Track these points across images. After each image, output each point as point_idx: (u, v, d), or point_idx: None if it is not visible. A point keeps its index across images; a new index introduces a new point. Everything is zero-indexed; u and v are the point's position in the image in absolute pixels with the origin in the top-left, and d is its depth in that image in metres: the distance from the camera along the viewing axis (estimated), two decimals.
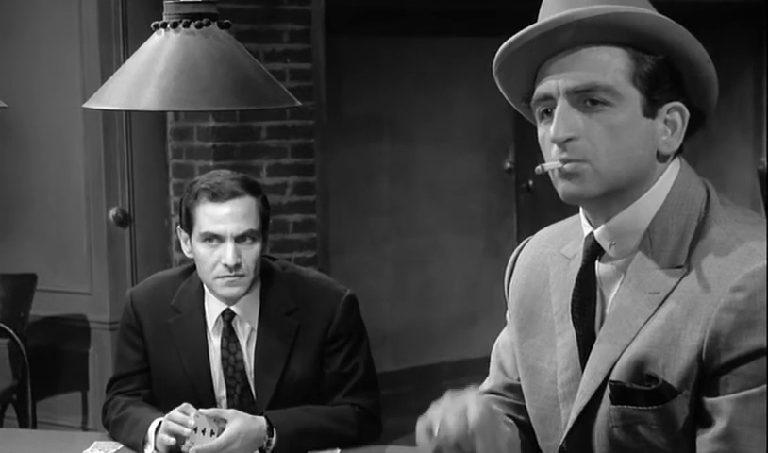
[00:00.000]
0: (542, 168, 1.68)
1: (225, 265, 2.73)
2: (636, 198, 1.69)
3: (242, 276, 2.76)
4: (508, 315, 1.92)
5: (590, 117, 1.66)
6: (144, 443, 2.69)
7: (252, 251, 2.77)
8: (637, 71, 1.66)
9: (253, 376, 2.82)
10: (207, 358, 2.84)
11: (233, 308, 2.82)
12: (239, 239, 2.75)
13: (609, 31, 1.65)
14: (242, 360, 2.83)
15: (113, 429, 2.84)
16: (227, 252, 2.74)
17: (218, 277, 2.76)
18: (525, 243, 1.93)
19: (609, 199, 1.69)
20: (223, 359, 2.84)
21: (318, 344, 2.83)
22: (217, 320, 2.83)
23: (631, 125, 1.66)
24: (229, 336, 2.83)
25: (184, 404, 2.65)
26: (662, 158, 1.69)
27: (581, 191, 1.67)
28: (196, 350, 2.84)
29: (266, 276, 2.86)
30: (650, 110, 1.67)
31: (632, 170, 1.67)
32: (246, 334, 2.83)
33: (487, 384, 1.98)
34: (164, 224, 5.22)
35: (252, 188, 2.81)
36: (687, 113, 1.69)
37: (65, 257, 5.16)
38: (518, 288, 1.89)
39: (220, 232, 2.75)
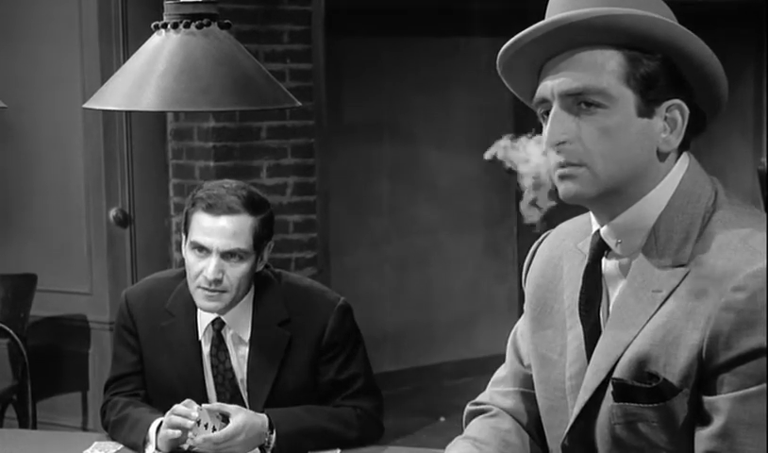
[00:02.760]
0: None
1: (206, 278, 2.73)
2: (638, 197, 1.69)
3: (223, 292, 2.73)
4: (525, 305, 1.94)
5: (583, 120, 1.66)
6: (145, 442, 2.69)
7: (237, 269, 2.73)
8: (632, 71, 1.65)
9: (245, 385, 2.81)
10: (199, 363, 2.83)
11: (223, 317, 2.80)
12: (225, 255, 2.72)
13: (603, 33, 1.65)
14: (231, 369, 2.82)
15: (113, 430, 2.83)
16: (210, 266, 2.71)
17: (199, 288, 2.74)
18: (547, 235, 1.93)
19: (609, 199, 1.69)
20: (213, 366, 2.83)
21: (311, 355, 2.81)
22: (207, 327, 2.82)
23: (625, 126, 1.66)
24: (219, 345, 2.82)
25: (187, 400, 2.65)
26: (663, 156, 1.69)
27: (579, 192, 1.68)
28: (189, 355, 2.83)
29: (260, 286, 2.83)
30: (646, 110, 1.67)
31: (629, 170, 1.67)
32: (236, 344, 2.82)
33: (503, 370, 2.00)
34: (164, 224, 5.21)
35: (252, 206, 2.75)
36: (687, 111, 1.69)
37: (65, 257, 5.16)
38: (534, 279, 1.90)
39: (207, 244, 2.72)
